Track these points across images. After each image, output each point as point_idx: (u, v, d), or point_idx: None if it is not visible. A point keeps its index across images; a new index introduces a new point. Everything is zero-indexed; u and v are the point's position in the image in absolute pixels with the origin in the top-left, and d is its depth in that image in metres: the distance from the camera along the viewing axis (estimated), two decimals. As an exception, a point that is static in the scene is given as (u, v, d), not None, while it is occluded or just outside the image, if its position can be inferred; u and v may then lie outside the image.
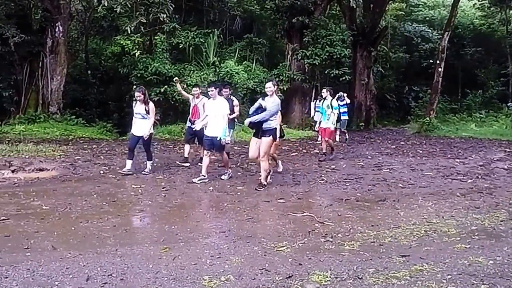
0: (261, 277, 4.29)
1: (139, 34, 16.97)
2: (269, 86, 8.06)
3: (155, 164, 10.05)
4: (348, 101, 16.12)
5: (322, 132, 11.63)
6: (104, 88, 19.57)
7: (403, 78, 27.37)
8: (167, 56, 17.91)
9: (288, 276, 4.29)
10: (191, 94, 10.66)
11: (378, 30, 22.27)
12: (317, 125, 12.02)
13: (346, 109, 15.55)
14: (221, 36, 20.30)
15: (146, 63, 17.05)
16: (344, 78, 18.74)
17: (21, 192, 7.55)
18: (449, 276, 4.31)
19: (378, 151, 13.53)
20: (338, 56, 18.25)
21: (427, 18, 28.88)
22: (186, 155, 10.55)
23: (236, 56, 19.61)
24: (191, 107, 10.55)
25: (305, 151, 13.09)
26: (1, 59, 16.26)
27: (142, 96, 9.17)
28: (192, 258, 4.74)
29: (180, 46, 18.46)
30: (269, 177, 8.48)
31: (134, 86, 17.47)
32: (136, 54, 16.79)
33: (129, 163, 9.23)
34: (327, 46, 18.25)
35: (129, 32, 15.79)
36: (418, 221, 6.21)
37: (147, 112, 9.17)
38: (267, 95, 8.21)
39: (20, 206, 6.69)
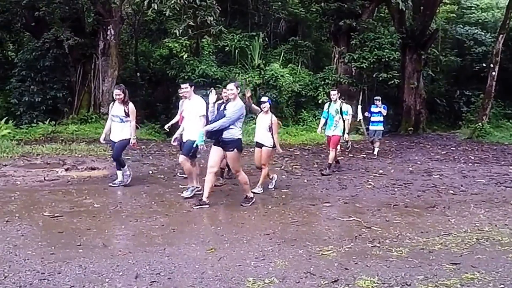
0: (305, 280, 4.26)
1: (186, 37, 17.23)
2: (231, 89, 6.87)
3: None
4: (384, 111, 13.05)
5: (328, 140, 10.19)
6: (152, 90, 19.98)
7: (454, 82, 26.53)
8: (213, 59, 18.12)
9: (333, 280, 4.25)
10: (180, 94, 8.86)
11: (428, 33, 21.68)
12: (318, 130, 10.68)
13: (380, 118, 13.03)
14: (266, 39, 20.33)
15: (193, 66, 17.30)
16: (392, 81, 18.35)
17: (74, 190, 7.83)
18: (502, 286, 4.18)
19: (427, 157, 13.18)
20: (387, 59, 17.89)
21: (480, 21, 27.87)
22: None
23: (281, 59, 19.60)
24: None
25: (351, 155, 12.91)
26: (56, 61, 16.87)
27: (122, 95, 8.06)
28: (237, 259, 4.76)
29: (226, 49, 18.64)
30: (260, 187, 8.05)
31: (180, 89, 17.80)
32: (184, 57, 17.06)
33: (119, 173, 8.30)
34: (375, 49, 17.93)
35: (177, 35, 16.06)
36: (470, 228, 6.02)
37: (126, 114, 8.07)
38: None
39: (73, 204, 6.93)
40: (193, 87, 7.77)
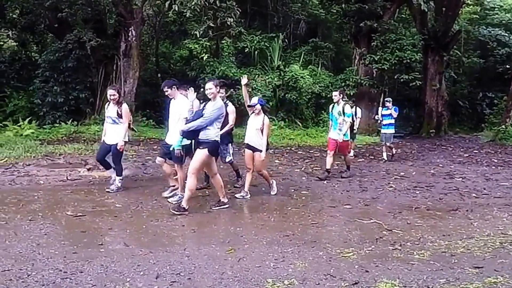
0: (325, 282, 4.23)
1: (206, 38, 17.32)
2: (209, 88, 6.49)
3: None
4: (395, 113, 12.50)
5: (329, 144, 9.65)
6: (172, 91, 20.13)
7: (477, 83, 26.17)
8: (233, 60, 18.18)
9: (354, 282, 4.21)
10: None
11: (450, 34, 21.45)
12: (331, 134, 9.90)
13: (391, 120, 12.47)
14: (286, 40, 20.32)
15: (213, 67, 17.38)
16: (414, 83, 18.19)
17: (96, 190, 7.92)
18: (526, 291, 4.07)
19: (449, 159, 13.00)
20: (408, 60, 17.75)
21: (503, 22, 27.42)
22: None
23: (301, 60, 19.56)
24: None
25: (372, 157, 12.81)
26: (79, 62, 17.10)
27: (117, 95, 7.70)
28: (256, 260, 4.75)
29: (246, 50, 18.69)
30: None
31: (202, 89, 17.90)
32: (204, 58, 17.15)
33: (117, 179, 7.91)
34: (396, 51, 17.80)
35: (197, 36, 16.16)
36: (493, 232, 5.89)
37: (119, 115, 7.68)
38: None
39: (95, 204, 7.01)
40: (175, 87, 7.36)
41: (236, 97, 16.94)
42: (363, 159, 12.58)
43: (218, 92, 6.66)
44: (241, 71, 17.90)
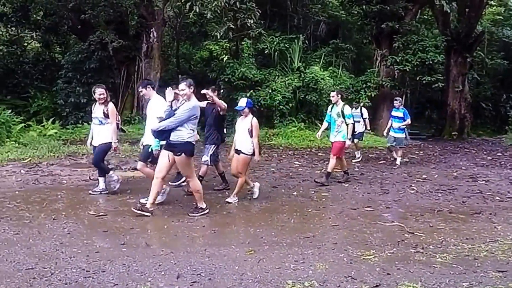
0: (346, 284, 4.22)
1: (226, 40, 17.38)
2: (182, 89, 6.27)
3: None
4: (407, 120, 11.77)
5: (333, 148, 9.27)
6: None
7: (500, 85, 25.74)
8: (253, 61, 18.18)
9: (375, 285, 4.19)
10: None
11: (474, 35, 21.13)
12: (318, 133, 9.85)
13: (402, 124, 11.78)
14: (306, 41, 20.26)
15: (233, 68, 17.41)
16: (436, 85, 17.96)
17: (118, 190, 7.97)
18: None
19: (472, 162, 12.79)
20: (431, 62, 17.54)
21: (528, 23, 26.95)
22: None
23: (321, 61, 19.47)
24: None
25: (393, 159, 12.68)
26: (101, 64, 17.34)
27: (106, 95, 7.51)
28: (276, 262, 4.75)
29: (266, 52, 18.66)
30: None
31: (222, 91, 17.96)
32: (224, 59, 17.21)
33: (101, 180, 7.73)
34: (418, 52, 17.61)
35: (217, 38, 16.22)
36: (517, 236, 5.79)
37: (105, 115, 7.43)
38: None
39: (116, 203, 7.10)
40: (151, 86, 7.15)
41: (256, 99, 16.98)
42: (384, 161, 12.45)
43: (193, 92, 6.34)
44: (261, 73, 17.93)
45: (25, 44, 22.24)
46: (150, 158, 7.05)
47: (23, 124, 14.75)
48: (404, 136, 11.91)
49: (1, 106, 14.63)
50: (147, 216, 6.27)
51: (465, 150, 15.98)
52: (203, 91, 8.10)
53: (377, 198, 7.93)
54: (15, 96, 18.84)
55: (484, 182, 9.70)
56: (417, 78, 18.34)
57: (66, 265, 4.52)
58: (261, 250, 5.12)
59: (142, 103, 17.64)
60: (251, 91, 17.13)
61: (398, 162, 11.86)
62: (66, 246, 5.06)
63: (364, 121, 12.63)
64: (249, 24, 15.73)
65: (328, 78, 18.03)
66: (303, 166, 11.36)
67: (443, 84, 18.57)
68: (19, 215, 6.33)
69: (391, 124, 11.88)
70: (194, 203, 6.67)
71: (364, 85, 18.55)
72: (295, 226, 6.18)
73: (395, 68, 18.22)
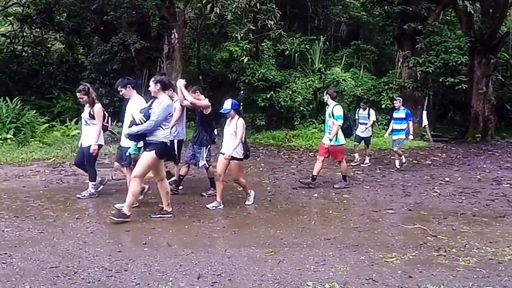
0: (367, 287, 4.21)
1: (247, 41, 17.40)
2: (150, 85, 6.17)
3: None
4: (410, 123, 11.27)
5: (320, 148, 9.01)
6: (212, 93, 20.29)
7: (525, 87, 25.21)
8: (273, 63, 18.17)
9: (397, 288, 4.14)
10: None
11: (498, 36, 20.74)
12: (324, 138, 9.04)
13: (403, 125, 11.22)
14: (327, 42, 20.16)
15: (253, 69, 17.43)
16: (460, 86, 17.69)
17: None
18: None
19: (496, 165, 12.53)
20: (454, 63, 17.27)
21: (555, 23, 26.35)
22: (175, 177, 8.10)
23: (342, 63, 19.36)
24: None
25: (415, 161, 12.54)
26: (123, 65, 17.47)
27: (86, 97, 7.28)
28: (297, 263, 4.74)
29: (286, 53, 18.64)
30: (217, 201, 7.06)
31: (242, 92, 18.01)
32: (244, 60, 17.23)
33: (90, 184, 7.55)
34: (441, 53, 17.36)
35: (238, 39, 16.25)
36: (542, 240, 5.67)
37: (91, 116, 7.30)
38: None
39: (138, 203, 7.13)
40: (130, 85, 6.81)
41: (276, 100, 16.97)
42: (406, 163, 12.29)
43: (160, 90, 6.18)
44: (281, 74, 17.91)
45: (49, 45, 22.60)
46: (126, 161, 6.79)
47: (47, 125, 14.99)
48: (404, 136, 11.27)
49: (25, 106, 14.87)
50: (127, 221, 6.04)
51: (489, 152, 15.69)
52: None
53: (399, 201, 7.85)
54: (39, 97, 19.13)
55: (508, 185, 9.51)
56: (440, 80, 18.07)
57: (89, 264, 4.58)
58: (281, 251, 5.11)
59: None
60: (271, 92, 17.13)
61: (397, 165, 11.28)
62: (89, 245, 5.13)
63: (372, 123, 12.00)
64: (269, 25, 15.70)
65: (349, 79, 17.92)
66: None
67: (466, 86, 18.26)
68: (43, 214, 6.45)
69: (392, 126, 11.35)
70: (160, 205, 6.46)
71: (386, 87, 18.37)
72: (315, 228, 6.17)
73: (418, 70, 18.00)
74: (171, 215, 6.40)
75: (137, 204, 6.77)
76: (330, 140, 8.51)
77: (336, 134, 8.52)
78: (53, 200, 7.24)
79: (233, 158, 6.90)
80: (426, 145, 16.58)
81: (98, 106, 7.30)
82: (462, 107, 22.73)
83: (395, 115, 11.34)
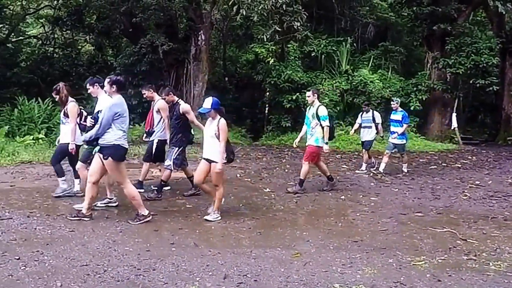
0: (395, 290, 4.14)
1: (273, 42, 17.40)
2: (106, 86, 6.00)
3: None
4: (405, 125, 10.62)
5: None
6: (238, 94, 20.38)
7: (558, 88, 24.49)
8: (299, 64, 18.13)
9: (426, 292, 4.10)
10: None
11: (530, 37, 20.26)
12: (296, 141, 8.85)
13: (401, 128, 10.56)
14: (354, 44, 20.02)
15: (279, 71, 17.43)
16: (491, 88, 17.34)
17: (167, 190, 8.15)
18: None
19: (529, 168, 12.24)
20: (485, 65, 16.94)
21: None
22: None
23: (370, 64, 19.19)
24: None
25: (445, 164, 12.33)
26: (151, 66, 17.68)
27: (58, 96, 7.16)
28: (323, 265, 4.72)
29: (312, 54, 18.59)
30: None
31: (267, 93, 18.03)
32: (270, 62, 17.24)
33: (60, 180, 7.45)
34: (472, 54, 17.06)
35: (263, 40, 16.28)
36: None
37: (65, 115, 7.15)
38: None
39: (166, 203, 7.26)
40: (98, 84, 6.53)
41: (302, 101, 16.92)
42: (435, 166, 12.11)
43: (115, 91, 5.95)
44: (307, 75, 17.87)
45: (79, 47, 23.08)
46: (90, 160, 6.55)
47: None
48: (405, 142, 10.88)
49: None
50: (86, 221, 6.03)
51: (521, 156, 15.33)
52: (142, 90, 8.11)
53: (428, 204, 7.74)
54: (70, 98, 19.53)
55: (542, 189, 9.28)
56: (470, 81, 17.75)
57: (118, 263, 4.65)
58: (308, 253, 5.10)
59: (191, 105, 17.87)
60: (297, 93, 17.11)
61: (404, 169, 10.90)
62: (119, 244, 5.20)
63: (377, 126, 11.15)
64: (295, 27, 15.69)
65: (377, 81, 17.77)
66: (350, 169, 11.21)
67: (497, 88, 17.88)
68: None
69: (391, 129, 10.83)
70: (135, 211, 6.19)
71: (415, 88, 18.15)
72: (342, 230, 6.13)
73: (447, 71, 17.72)
74: (148, 218, 6.12)
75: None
76: (326, 143, 8.23)
77: (314, 134, 8.24)
78: (83, 199, 7.35)
79: (214, 162, 6.32)
80: (456, 148, 16.32)
81: (71, 105, 7.14)
82: (492, 109, 22.27)
83: (392, 116, 10.88)
